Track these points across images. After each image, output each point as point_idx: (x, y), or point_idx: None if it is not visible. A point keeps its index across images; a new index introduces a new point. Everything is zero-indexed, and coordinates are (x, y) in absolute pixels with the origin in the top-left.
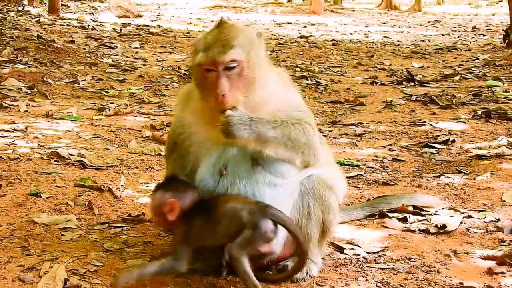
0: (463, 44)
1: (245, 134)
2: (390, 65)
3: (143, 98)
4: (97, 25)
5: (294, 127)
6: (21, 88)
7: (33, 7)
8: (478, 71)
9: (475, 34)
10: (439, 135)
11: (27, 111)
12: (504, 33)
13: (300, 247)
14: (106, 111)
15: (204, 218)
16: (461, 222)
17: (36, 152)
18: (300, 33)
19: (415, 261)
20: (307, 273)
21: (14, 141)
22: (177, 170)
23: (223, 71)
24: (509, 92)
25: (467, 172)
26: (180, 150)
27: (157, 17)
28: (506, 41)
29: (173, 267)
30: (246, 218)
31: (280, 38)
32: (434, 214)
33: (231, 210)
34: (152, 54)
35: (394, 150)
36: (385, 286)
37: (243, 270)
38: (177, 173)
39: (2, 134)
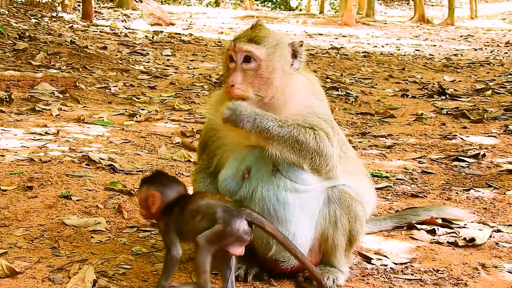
0: (496, 59)
1: (247, 125)
2: (422, 78)
3: (173, 105)
4: (129, 32)
5: (305, 131)
6: (54, 93)
7: (67, 13)
8: (511, 86)
9: (508, 49)
10: (469, 149)
11: (59, 115)
12: None
13: (290, 251)
14: (137, 117)
15: (180, 211)
16: (490, 236)
17: (67, 156)
18: (331, 45)
19: (442, 273)
20: (333, 282)
21: (46, 144)
22: (203, 169)
23: (241, 63)
24: None
25: (497, 187)
26: (209, 152)
27: (189, 26)
28: None
29: (173, 260)
30: (220, 214)
31: (311, 49)
32: (463, 227)
33: (205, 205)
34: (184, 62)
35: (424, 163)
36: None
37: (200, 261)
38: (203, 172)
39: (34, 137)
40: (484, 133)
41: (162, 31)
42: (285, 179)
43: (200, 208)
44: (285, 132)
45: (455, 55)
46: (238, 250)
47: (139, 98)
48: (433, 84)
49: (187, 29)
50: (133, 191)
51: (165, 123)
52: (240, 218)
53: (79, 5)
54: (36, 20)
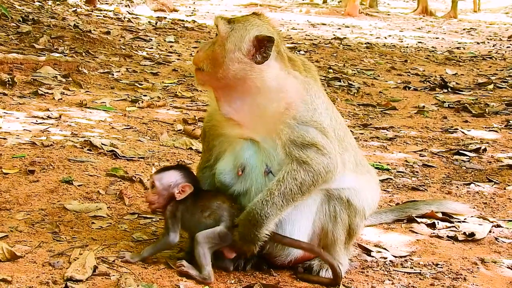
0: (498, 53)
1: (259, 230)
2: (424, 70)
3: (176, 92)
4: (132, 18)
5: (293, 177)
6: (56, 77)
7: None
8: None
9: (510, 44)
10: (470, 143)
11: (61, 99)
12: None
13: (300, 248)
14: (139, 103)
15: (192, 204)
16: (490, 231)
17: (69, 140)
18: (334, 35)
19: (442, 267)
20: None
21: (48, 128)
22: (206, 165)
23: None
24: None
25: (497, 182)
26: (208, 142)
27: (192, 13)
28: None
29: (167, 243)
30: (225, 218)
31: (314, 39)
32: (463, 221)
33: (216, 206)
34: (186, 48)
35: (425, 156)
36: None
37: (199, 255)
38: (204, 165)
39: (36, 121)
40: (485, 127)
41: (166, 17)
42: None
43: (211, 206)
44: (281, 198)
45: (458, 48)
46: (231, 253)
47: (142, 84)
48: (435, 77)
49: (190, 15)
50: (135, 177)
51: (167, 110)
52: None
53: None
54: (39, 3)
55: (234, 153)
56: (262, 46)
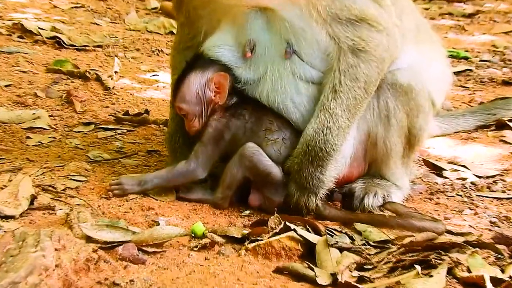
0: None
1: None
2: None
3: None
4: None
5: (355, 83)
6: None
7: None
8: None
9: None
10: None
11: None
12: None
13: None
14: None
15: (252, 116)
16: None
17: None
18: None
19: None
20: (383, 199)
21: None
22: (185, 40)
23: None
24: None
25: None
26: (188, 11)
27: None
28: None
29: (189, 172)
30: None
31: None
32: None
33: (288, 135)
34: None
35: None
36: (503, 223)
37: (231, 171)
38: (186, 45)
39: None
40: None
41: None
42: (304, 64)
43: (281, 132)
44: (346, 116)
45: None
46: (255, 202)
47: None
48: None
49: None
50: (89, 73)
51: None
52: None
53: None
54: None
55: (236, 25)
56: None
